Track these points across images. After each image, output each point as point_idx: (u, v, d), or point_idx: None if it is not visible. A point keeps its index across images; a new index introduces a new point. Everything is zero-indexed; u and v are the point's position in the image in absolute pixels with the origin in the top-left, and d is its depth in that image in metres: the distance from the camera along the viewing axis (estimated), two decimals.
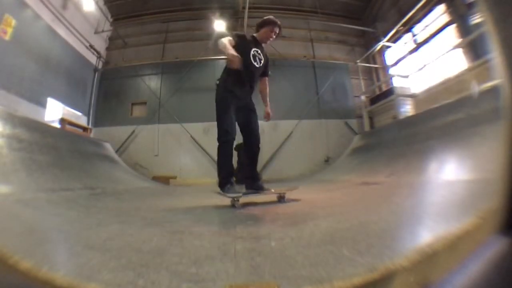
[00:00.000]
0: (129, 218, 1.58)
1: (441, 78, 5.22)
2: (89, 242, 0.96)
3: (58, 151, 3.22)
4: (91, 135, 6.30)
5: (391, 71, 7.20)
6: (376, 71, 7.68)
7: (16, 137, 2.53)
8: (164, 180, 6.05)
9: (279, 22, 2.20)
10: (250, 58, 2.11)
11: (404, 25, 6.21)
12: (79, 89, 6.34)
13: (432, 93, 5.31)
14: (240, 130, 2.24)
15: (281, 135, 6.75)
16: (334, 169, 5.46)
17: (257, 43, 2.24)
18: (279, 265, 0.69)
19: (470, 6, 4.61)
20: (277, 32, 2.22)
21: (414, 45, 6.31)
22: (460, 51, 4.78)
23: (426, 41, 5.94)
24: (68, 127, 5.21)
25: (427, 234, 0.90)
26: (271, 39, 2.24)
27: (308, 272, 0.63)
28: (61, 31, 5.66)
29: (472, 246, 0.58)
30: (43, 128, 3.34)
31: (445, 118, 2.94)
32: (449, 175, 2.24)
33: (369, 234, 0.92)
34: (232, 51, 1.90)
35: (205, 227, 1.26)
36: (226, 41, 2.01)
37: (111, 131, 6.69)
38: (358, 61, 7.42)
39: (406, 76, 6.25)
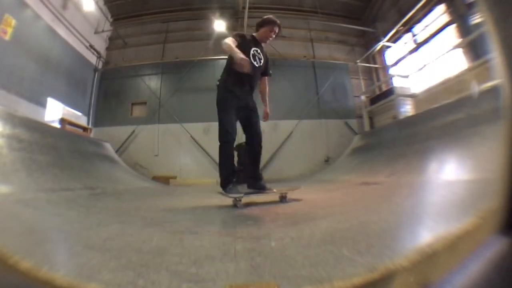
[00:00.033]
0: (129, 218, 1.58)
1: (441, 78, 5.22)
2: (89, 242, 0.96)
3: (58, 151, 3.23)
4: (91, 135, 6.30)
5: (391, 71, 7.20)
6: (376, 71, 7.68)
7: (16, 137, 2.53)
8: (164, 180, 6.05)
9: (278, 22, 2.19)
10: (250, 57, 2.11)
11: (404, 25, 6.21)
12: (79, 89, 6.34)
13: (432, 93, 5.31)
14: (243, 130, 2.25)
15: (281, 135, 6.75)
16: (334, 169, 5.46)
17: (256, 42, 2.23)
18: (279, 265, 0.69)
19: (470, 6, 4.60)
20: (277, 31, 2.22)
21: (414, 45, 6.31)
22: (460, 51, 4.78)
23: (426, 41, 5.94)
24: (68, 127, 5.21)
25: (427, 234, 0.90)
26: (270, 38, 2.24)
27: (308, 272, 0.63)
28: (61, 31, 5.66)
29: (472, 246, 0.58)
30: (43, 128, 3.34)
31: (445, 118, 2.94)
32: (449, 175, 2.24)
33: (369, 234, 0.92)
34: (241, 55, 1.89)
35: (205, 227, 1.26)
36: (231, 42, 1.99)
37: (111, 131, 6.69)
38: (358, 61, 7.42)
39: (406, 76, 6.25)
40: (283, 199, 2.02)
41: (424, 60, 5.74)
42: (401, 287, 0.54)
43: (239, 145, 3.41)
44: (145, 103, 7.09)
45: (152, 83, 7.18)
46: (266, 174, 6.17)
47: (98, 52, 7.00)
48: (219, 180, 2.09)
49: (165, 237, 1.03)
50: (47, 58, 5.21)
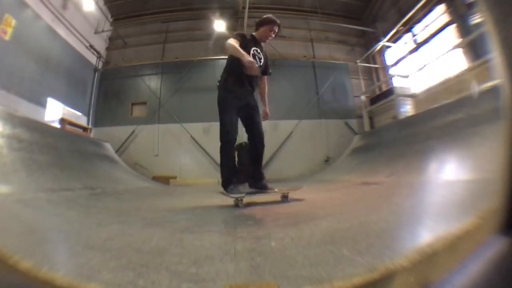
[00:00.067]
0: (129, 218, 1.58)
1: (441, 78, 5.22)
2: (89, 242, 0.96)
3: (58, 151, 3.23)
4: (91, 135, 6.30)
5: (391, 71, 7.20)
6: (376, 71, 7.68)
7: (16, 137, 2.53)
8: (164, 180, 6.05)
9: (278, 21, 2.19)
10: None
11: (404, 25, 6.21)
12: (79, 89, 6.34)
13: (432, 93, 5.31)
14: (245, 129, 2.25)
15: (281, 135, 6.75)
16: (334, 169, 5.46)
17: (256, 42, 2.23)
18: (279, 265, 0.69)
19: (470, 6, 4.60)
20: (277, 31, 2.21)
21: (414, 45, 6.31)
22: (460, 51, 4.78)
23: (426, 41, 5.94)
24: (68, 127, 5.21)
25: (427, 234, 0.90)
26: (270, 38, 2.23)
27: (308, 272, 0.63)
28: (61, 31, 5.66)
29: (472, 246, 0.58)
30: (43, 128, 3.34)
31: (445, 118, 2.94)
32: (449, 175, 2.24)
33: (369, 234, 0.92)
34: (248, 57, 1.89)
35: (205, 227, 1.26)
36: (235, 43, 1.98)
37: (111, 131, 6.69)
38: (358, 61, 7.42)
39: (406, 76, 6.25)
40: (284, 199, 2.02)
41: (424, 60, 5.74)
42: (401, 287, 0.54)
43: (239, 145, 3.41)
44: (145, 103, 7.09)
45: (152, 83, 7.18)
46: (266, 174, 6.17)
47: (98, 52, 7.00)
48: (219, 180, 2.09)
49: (165, 237, 1.03)
50: (47, 58, 5.21)
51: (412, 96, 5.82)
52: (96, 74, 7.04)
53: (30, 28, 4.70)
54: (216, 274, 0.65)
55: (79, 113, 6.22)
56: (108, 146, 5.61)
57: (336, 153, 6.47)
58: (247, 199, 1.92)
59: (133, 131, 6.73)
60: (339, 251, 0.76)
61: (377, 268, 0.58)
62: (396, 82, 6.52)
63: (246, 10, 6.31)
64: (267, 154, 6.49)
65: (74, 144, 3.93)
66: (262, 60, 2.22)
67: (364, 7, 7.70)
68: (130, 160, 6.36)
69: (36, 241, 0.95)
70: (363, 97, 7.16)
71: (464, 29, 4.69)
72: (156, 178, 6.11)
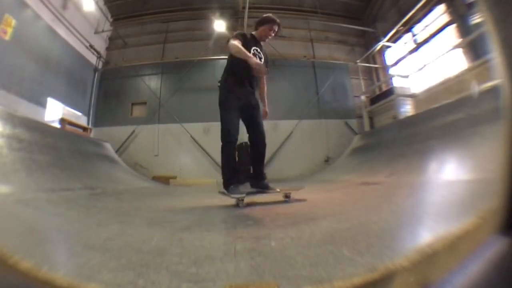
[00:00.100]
0: (129, 218, 1.58)
1: (441, 78, 5.22)
2: (89, 242, 0.96)
3: (58, 151, 3.22)
4: (91, 135, 6.30)
5: (391, 71, 7.20)
6: (376, 71, 7.68)
7: (16, 137, 2.53)
8: (164, 180, 6.05)
9: (278, 20, 2.19)
10: None
11: (404, 25, 6.21)
12: (79, 89, 6.34)
13: (432, 93, 5.31)
14: (246, 129, 2.25)
15: (281, 135, 6.75)
16: (334, 169, 5.46)
17: (256, 41, 2.23)
18: (279, 265, 0.69)
19: (470, 6, 4.61)
20: (276, 30, 2.21)
21: (414, 45, 6.31)
22: (460, 51, 4.78)
23: (426, 41, 5.94)
24: (68, 127, 5.21)
25: (427, 234, 0.90)
26: (270, 37, 2.23)
27: (308, 272, 0.63)
28: (61, 31, 5.66)
29: (472, 246, 0.58)
30: (43, 128, 3.34)
31: (445, 118, 2.94)
32: (449, 175, 2.24)
33: (369, 234, 0.92)
34: (255, 60, 1.89)
35: (205, 227, 1.26)
36: (238, 43, 1.98)
37: (111, 131, 6.69)
38: (358, 61, 7.42)
39: (406, 76, 6.25)
40: (287, 199, 2.01)
41: (424, 60, 5.74)
42: (401, 287, 0.54)
43: (239, 145, 3.41)
44: (145, 103, 7.09)
45: (152, 83, 7.18)
46: (266, 174, 6.18)
47: (98, 52, 7.00)
48: (219, 180, 2.08)
49: (165, 237, 1.03)
50: (47, 58, 5.21)
51: (412, 96, 5.82)
52: (96, 74, 7.04)
53: (30, 28, 4.70)
54: (216, 274, 0.65)
55: (79, 113, 6.22)
56: (108, 146, 5.61)
57: (336, 153, 6.47)
58: (248, 199, 1.92)
59: (133, 131, 6.74)
60: (339, 251, 0.76)
61: (377, 268, 0.58)
62: (396, 82, 6.52)
63: (246, 10, 6.31)
64: (267, 154, 6.46)
65: (74, 144, 3.93)
66: (262, 60, 2.22)
67: (364, 7, 7.70)
68: (130, 160, 6.36)
69: (36, 241, 0.95)
70: (363, 97, 7.16)
71: (464, 29, 4.69)
72: (156, 178, 6.10)
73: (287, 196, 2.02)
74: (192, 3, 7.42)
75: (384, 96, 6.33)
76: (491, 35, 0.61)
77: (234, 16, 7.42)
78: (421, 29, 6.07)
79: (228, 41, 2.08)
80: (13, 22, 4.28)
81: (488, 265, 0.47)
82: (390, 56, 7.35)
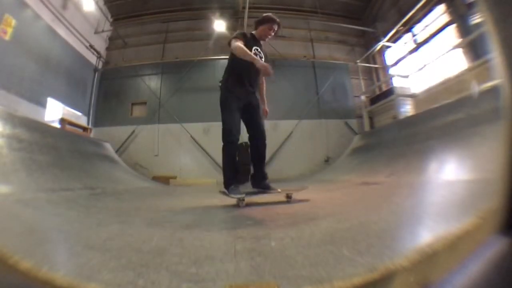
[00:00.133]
0: (129, 218, 1.58)
1: (441, 78, 5.22)
2: (89, 242, 0.96)
3: (58, 151, 3.22)
4: (91, 135, 6.30)
5: (391, 71, 7.20)
6: (376, 71, 7.68)
7: (16, 137, 2.53)
8: (164, 180, 6.05)
9: (278, 20, 2.19)
10: None
11: (404, 25, 6.21)
12: (79, 89, 6.34)
13: (432, 93, 5.31)
14: (247, 129, 2.25)
15: (281, 135, 6.75)
16: (334, 169, 5.46)
17: (256, 40, 2.23)
18: (279, 265, 0.69)
19: (470, 6, 4.60)
20: (276, 29, 2.21)
21: (414, 45, 6.31)
22: (460, 51, 4.78)
23: (426, 41, 5.94)
24: (68, 127, 5.21)
25: (427, 234, 0.90)
26: (269, 36, 2.23)
27: (308, 272, 0.63)
28: (61, 31, 5.66)
29: (472, 246, 0.58)
30: (43, 128, 3.34)
31: (445, 118, 2.94)
32: (449, 175, 2.24)
33: (369, 234, 0.92)
34: (261, 61, 1.89)
35: (205, 227, 1.26)
36: (241, 44, 1.97)
37: (111, 131, 6.69)
38: (358, 61, 7.42)
39: (406, 76, 6.25)
40: (289, 199, 2.01)
41: (424, 60, 5.74)
42: (401, 287, 0.54)
43: (239, 145, 3.41)
44: (145, 103, 7.09)
45: (152, 83, 7.18)
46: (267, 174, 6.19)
47: (98, 52, 7.00)
48: (219, 180, 2.09)
49: (165, 237, 1.03)
50: (47, 58, 5.20)
51: (412, 96, 5.82)
52: (96, 74, 7.04)
53: (30, 28, 4.70)
54: (216, 274, 0.65)
55: (79, 113, 6.22)
56: (108, 146, 5.61)
57: (336, 153, 6.47)
58: (248, 199, 1.91)
59: (133, 131, 6.73)
60: (339, 251, 0.76)
61: (377, 268, 0.58)
62: (396, 82, 6.52)
63: (246, 10, 6.31)
64: (267, 154, 6.47)
65: (74, 144, 3.93)
66: (263, 59, 2.21)
67: (364, 7, 7.70)
68: (130, 160, 6.36)
69: (36, 241, 0.95)
70: (363, 97, 7.16)
71: (464, 29, 4.69)
72: (156, 178, 6.10)
73: (288, 196, 2.02)
74: (192, 3, 7.42)
75: (384, 96, 6.33)
76: (491, 35, 0.61)
77: (234, 16, 7.42)
78: (421, 29, 6.07)
79: (229, 41, 2.07)
80: (13, 22, 4.28)
81: (488, 265, 0.47)
82: (390, 56, 7.35)
